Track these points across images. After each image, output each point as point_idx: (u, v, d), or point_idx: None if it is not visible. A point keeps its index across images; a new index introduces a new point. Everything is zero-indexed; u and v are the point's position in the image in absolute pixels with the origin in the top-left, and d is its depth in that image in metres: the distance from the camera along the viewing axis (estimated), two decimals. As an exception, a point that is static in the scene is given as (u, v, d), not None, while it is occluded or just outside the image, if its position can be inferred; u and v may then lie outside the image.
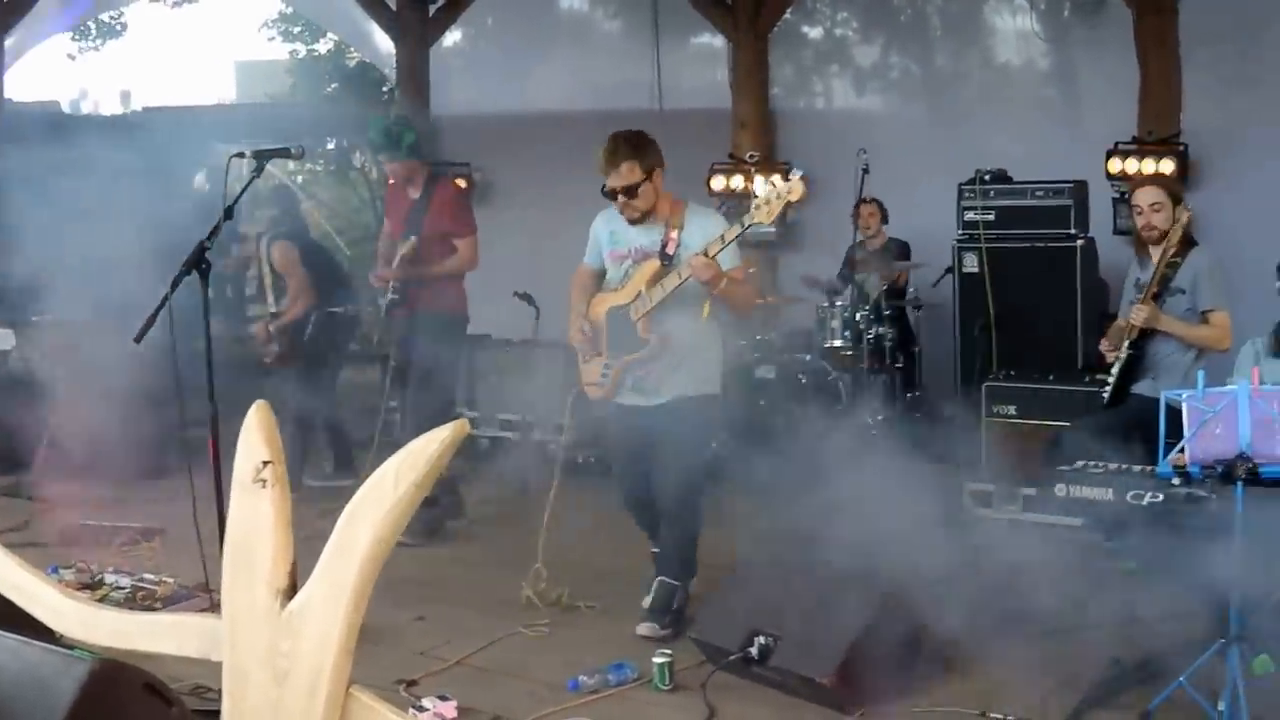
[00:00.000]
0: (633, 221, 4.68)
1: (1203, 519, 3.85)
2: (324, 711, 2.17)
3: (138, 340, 3.95)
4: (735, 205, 8.49)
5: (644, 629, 4.67)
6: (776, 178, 5.07)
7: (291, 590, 2.24)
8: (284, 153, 4.38)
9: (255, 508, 2.27)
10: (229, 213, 4.08)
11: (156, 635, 2.44)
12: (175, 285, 3.94)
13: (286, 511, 2.26)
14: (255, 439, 2.28)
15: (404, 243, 5.92)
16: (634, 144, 4.61)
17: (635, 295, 4.67)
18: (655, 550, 4.97)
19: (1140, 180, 5.34)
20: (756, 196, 4.51)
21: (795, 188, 4.37)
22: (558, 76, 10.14)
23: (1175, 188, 5.29)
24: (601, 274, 4.92)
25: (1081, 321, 6.63)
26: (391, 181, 6.21)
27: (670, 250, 4.61)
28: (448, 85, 10.54)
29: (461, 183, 8.22)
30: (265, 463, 2.26)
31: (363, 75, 15.85)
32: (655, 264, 4.63)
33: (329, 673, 2.16)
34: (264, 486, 2.26)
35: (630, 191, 4.58)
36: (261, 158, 4.27)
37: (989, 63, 9.49)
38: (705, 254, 4.45)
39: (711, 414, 4.87)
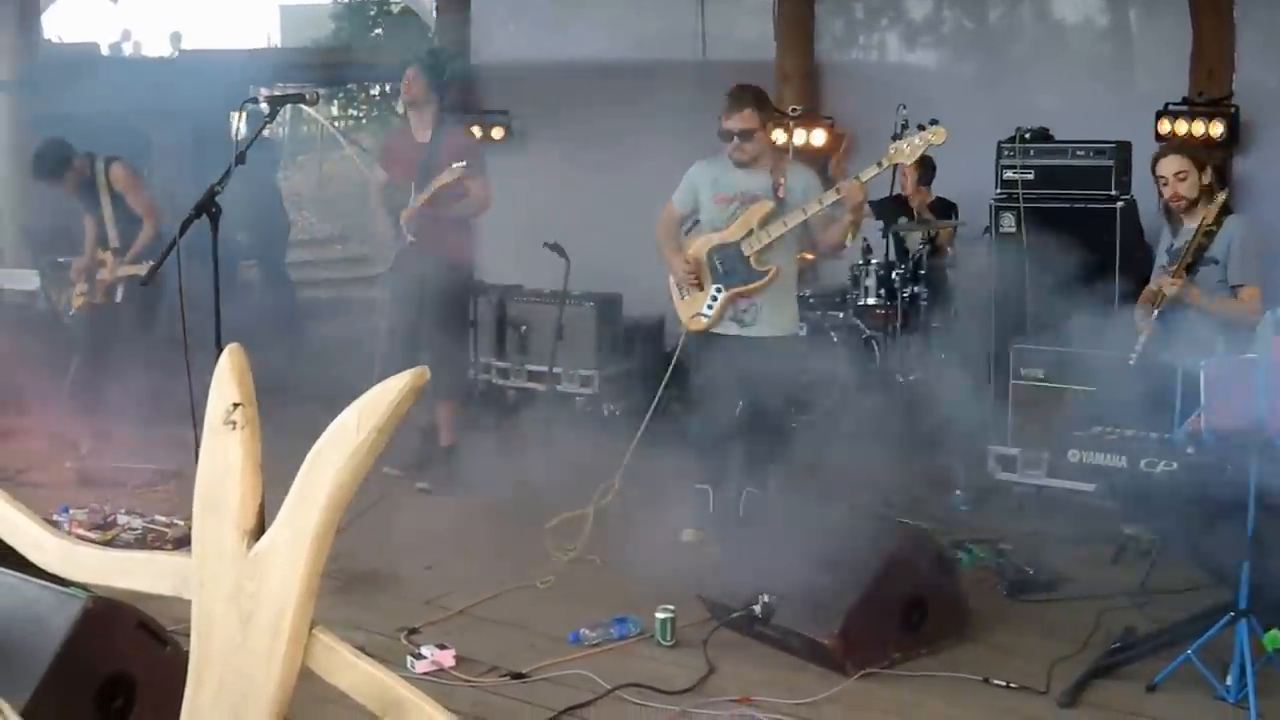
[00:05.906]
0: (740, 164, 5.08)
1: (1216, 489, 3.77)
2: (287, 651, 2.17)
3: (144, 283, 3.98)
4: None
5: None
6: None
7: (259, 531, 2.23)
8: (298, 99, 4.39)
9: (225, 449, 2.25)
10: (240, 158, 4.09)
11: (130, 572, 2.43)
12: (184, 229, 3.96)
13: (256, 453, 2.25)
14: (227, 380, 2.26)
15: (418, 195, 5.81)
16: (756, 95, 5.08)
17: (747, 232, 5.05)
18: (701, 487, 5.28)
19: (1162, 150, 5.13)
20: (899, 139, 5.05)
21: (940, 132, 4.84)
22: (600, 24, 9.96)
23: (1199, 153, 5.06)
24: (686, 217, 5.33)
25: (1119, 284, 6.45)
26: (388, 144, 6.05)
27: (781, 194, 5.04)
28: (489, 33, 10.42)
29: (476, 130, 7.90)
30: (235, 404, 2.25)
31: (406, 21, 15.78)
32: (769, 205, 5.04)
33: (291, 614, 2.16)
34: (234, 428, 2.25)
35: (745, 135, 5.02)
36: (275, 103, 4.27)
37: (1043, 19, 9.24)
38: (859, 179, 4.90)
39: (801, 351, 5.61)
